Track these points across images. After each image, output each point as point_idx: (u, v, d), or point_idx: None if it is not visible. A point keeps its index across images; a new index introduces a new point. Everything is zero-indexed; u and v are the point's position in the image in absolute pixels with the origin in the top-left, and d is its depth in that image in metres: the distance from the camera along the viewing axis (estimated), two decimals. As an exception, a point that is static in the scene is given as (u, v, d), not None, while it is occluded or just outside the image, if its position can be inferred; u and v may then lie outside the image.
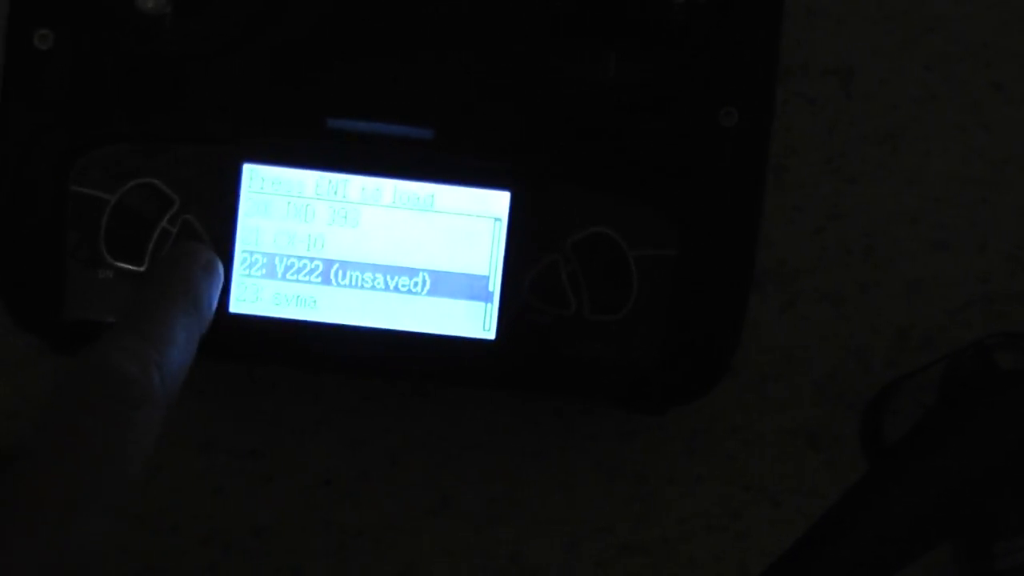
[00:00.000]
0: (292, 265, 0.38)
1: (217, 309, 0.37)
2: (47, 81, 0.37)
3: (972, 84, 0.45)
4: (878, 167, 0.45)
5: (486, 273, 0.38)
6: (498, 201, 0.38)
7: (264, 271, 0.38)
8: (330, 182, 0.38)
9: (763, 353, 0.45)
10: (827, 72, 0.45)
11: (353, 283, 0.38)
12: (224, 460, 0.44)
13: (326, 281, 0.38)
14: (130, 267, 0.37)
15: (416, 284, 0.38)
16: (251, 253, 0.38)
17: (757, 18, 0.38)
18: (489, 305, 0.38)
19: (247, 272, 0.38)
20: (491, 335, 0.38)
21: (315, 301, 0.38)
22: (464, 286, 0.38)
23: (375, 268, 0.38)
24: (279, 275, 0.38)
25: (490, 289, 0.38)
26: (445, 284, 0.38)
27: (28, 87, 0.37)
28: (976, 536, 0.42)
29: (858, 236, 0.45)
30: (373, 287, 0.38)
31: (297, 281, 0.38)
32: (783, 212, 0.45)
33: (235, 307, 0.37)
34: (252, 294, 0.38)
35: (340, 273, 0.38)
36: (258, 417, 0.44)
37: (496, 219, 0.38)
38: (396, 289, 0.38)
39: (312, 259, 0.38)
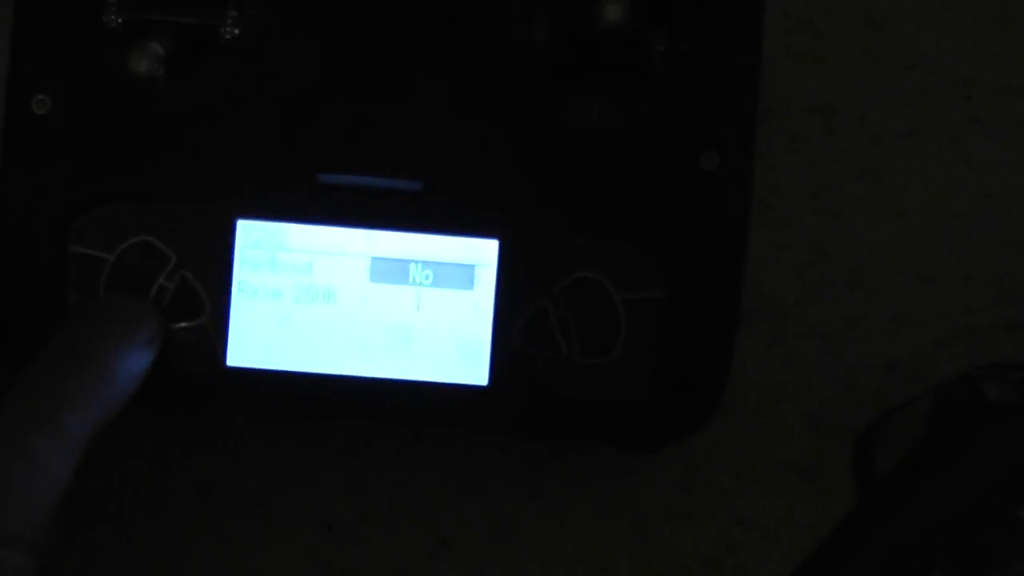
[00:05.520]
0: (288, 318, 0.38)
1: (215, 362, 0.38)
2: (45, 145, 0.38)
3: (952, 119, 0.46)
4: (861, 202, 0.46)
5: (477, 320, 0.39)
6: (487, 249, 0.39)
7: (260, 324, 0.38)
8: (323, 235, 0.38)
9: (753, 389, 0.45)
10: (808, 110, 0.46)
11: (350, 334, 0.38)
12: (224, 506, 0.45)
13: (323, 333, 0.38)
14: (129, 323, 0.38)
15: (410, 333, 0.39)
16: (247, 306, 0.38)
17: (735, 63, 0.39)
18: (481, 352, 0.39)
19: (244, 325, 0.38)
20: (484, 381, 0.39)
21: (312, 353, 0.38)
22: (456, 333, 0.39)
23: (371, 319, 0.38)
24: (275, 328, 0.38)
25: (481, 336, 0.39)
26: (438, 332, 0.39)
27: (27, 151, 0.38)
28: (968, 567, 0.42)
29: (844, 271, 0.46)
30: (369, 337, 0.38)
31: (293, 333, 0.38)
32: (769, 250, 0.45)
33: (232, 360, 0.38)
34: (249, 347, 0.38)
35: (337, 325, 0.38)
36: (257, 463, 0.45)
37: (486, 266, 0.39)
38: (391, 338, 0.38)
39: (308, 311, 0.38)
